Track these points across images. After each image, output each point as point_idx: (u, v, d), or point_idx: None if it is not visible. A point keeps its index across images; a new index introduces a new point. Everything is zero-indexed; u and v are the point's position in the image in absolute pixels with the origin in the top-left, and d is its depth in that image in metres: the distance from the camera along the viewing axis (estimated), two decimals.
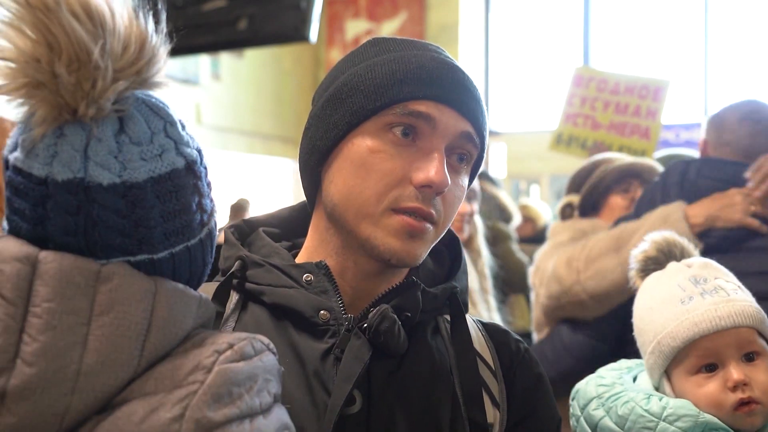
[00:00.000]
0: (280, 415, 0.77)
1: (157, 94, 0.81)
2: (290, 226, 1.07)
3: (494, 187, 3.70)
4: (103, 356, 0.70)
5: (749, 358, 1.15)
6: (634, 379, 1.25)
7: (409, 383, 0.93)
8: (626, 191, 2.35)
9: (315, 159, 0.96)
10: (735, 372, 1.13)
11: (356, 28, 8.99)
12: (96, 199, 0.73)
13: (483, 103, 0.98)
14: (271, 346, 0.80)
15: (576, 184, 2.50)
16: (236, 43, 4.09)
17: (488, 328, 1.06)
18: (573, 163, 2.99)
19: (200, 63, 7.43)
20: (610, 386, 1.20)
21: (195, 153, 0.81)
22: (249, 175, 8.03)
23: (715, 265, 1.23)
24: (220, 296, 0.96)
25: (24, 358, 0.68)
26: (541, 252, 2.34)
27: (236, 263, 0.97)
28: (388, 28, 8.77)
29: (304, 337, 0.92)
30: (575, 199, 2.44)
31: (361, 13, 9.00)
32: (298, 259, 1.00)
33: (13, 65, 0.71)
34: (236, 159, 7.90)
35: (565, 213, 2.47)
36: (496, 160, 8.39)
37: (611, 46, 8.45)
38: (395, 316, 0.91)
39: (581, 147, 3.09)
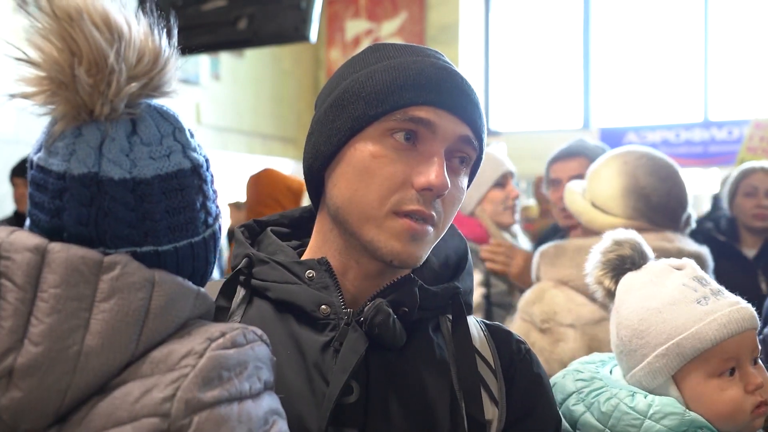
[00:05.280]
0: (270, 401, 0.82)
1: (164, 100, 0.89)
2: (300, 226, 1.11)
3: None
4: (103, 339, 0.76)
5: (755, 360, 1.14)
6: (610, 372, 1.23)
7: (407, 375, 0.96)
8: None
9: (319, 163, 0.99)
10: (755, 375, 1.12)
11: (356, 28, 8.99)
12: (108, 192, 0.80)
13: (480, 106, 1.01)
14: (264, 337, 0.85)
15: None
16: (236, 43, 4.10)
17: (491, 329, 1.09)
18: None
19: (200, 63, 7.43)
20: (590, 381, 1.19)
21: (201, 158, 0.89)
22: (249, 175, 8.02)
23: (695, 264, 1.22)
24: (227, 292, 1.00)
25: (31, 338, 0.74)
26: None
27: (243, 260, 1.01)
28: (388, 28, 8.78)
29: (306, 331, 0.96)
30: None
31: (361, 13, 9.01)
32: (304, 257, 1.03)
33: (40, 71, 0.79)
34: (236, 159, 7.90)
35: None
36: None
37: (611, 46, 8.46)
38: (390, 310, 0.94)
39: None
